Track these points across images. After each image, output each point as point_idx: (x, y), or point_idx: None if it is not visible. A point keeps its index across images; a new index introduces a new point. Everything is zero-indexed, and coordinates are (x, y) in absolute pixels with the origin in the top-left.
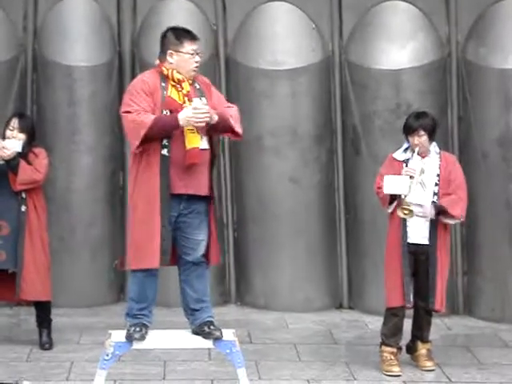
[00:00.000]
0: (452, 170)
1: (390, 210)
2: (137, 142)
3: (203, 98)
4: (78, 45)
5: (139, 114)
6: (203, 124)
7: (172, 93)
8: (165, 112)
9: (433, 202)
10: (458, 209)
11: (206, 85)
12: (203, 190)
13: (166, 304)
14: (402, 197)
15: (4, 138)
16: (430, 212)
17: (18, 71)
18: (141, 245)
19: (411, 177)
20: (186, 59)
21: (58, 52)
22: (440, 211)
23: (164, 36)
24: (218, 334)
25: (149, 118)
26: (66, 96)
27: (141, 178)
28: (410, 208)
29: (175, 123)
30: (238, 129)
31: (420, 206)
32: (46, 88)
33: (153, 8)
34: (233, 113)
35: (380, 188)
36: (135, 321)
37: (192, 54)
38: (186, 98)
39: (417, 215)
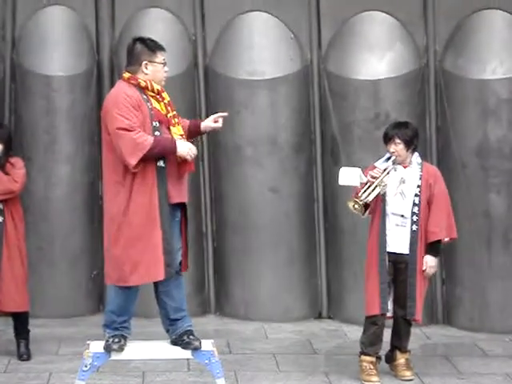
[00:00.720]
0: (433, 182)
1: (364, 216)
2: (133, 162)
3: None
4: (57, 54)
5: (138, 134)
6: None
7: (154, 104)
8: (155, 124)
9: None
10: (443, 234)
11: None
12: (185, 197)
13: (145, 315)
14: (361, 192)
15: None
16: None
17: None
18: (141, 260)
19: (374, 177)
20: (159, 69)
21: (37, 61)
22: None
23: (133, 47)
24: (196, 343)
25: (148, 141)
26: (44, 105)
27: (137, 192)
28: (361, 203)
29: (174, 150)
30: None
31: (401, 216)
32: (24, 97)
33: (131, 17)
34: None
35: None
36: (116, 332)
37: (163, 64)
38: (169, 108)
39: (397, 225)
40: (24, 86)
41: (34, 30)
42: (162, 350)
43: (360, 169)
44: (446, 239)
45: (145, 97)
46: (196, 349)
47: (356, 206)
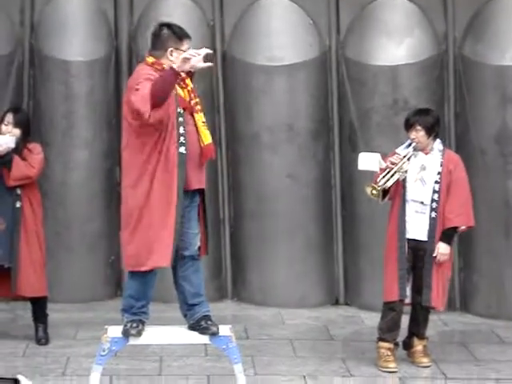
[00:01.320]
0: (453, 169)
1: (382, 202)
2: (146, 108)
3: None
4: (75, 39)
5: (142, 86)
6: (200, 62)
7: (178, 90)
8: (179, 110)
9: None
10: (457, 221)
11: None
12: (204, 183)
13: (162, 299)
14: (379, 178)
15: None
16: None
17: (14, 66)
18: (156, 244)
19: (393, 163)
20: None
21: (55, 47)
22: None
23: (160, 33)
24: (214, 329)
25: (149, 84)
26: (62, 91)
27: (160, 177)
28: (378, 189)
29: (173, 71)
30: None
31: (420, 203)
32: (42, 83)
33: (150, 3)
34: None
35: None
36: (134, 317)
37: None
38: (192, 95)
39: (416, 211)
40: (42, 71)
41: (53, 15)
42: (180, 335)
43: (379, 154)
44: (463, 227)
45: None
46: (214, 334)
47: (374, 191)
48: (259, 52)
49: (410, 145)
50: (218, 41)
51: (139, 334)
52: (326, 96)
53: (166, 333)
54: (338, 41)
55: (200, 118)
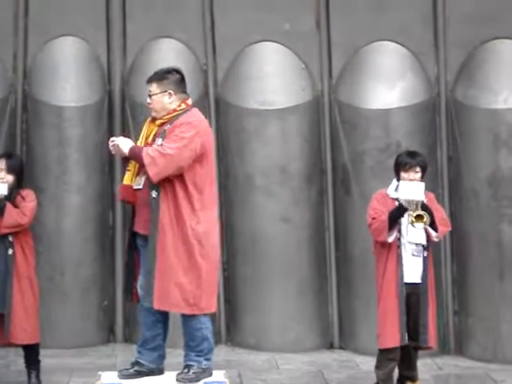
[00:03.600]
0: (433, 205)
1: (390, 239)
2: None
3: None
4: (68, 85)
5: None
6: (111, 148)
7: None
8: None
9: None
10: (440, 228)
11: (174, 127)
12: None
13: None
14: (412, 208)
15: None
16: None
17: (7, 111)
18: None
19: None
20: None
21: (48, 92)
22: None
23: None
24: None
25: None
26: (55, 136)
27: None
28: (426, 214)
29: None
30: (148, 167)
31: (416, 245)
32: (35, 128)
33: (143, 47)
34: (152, 153)
35: (375, 219)
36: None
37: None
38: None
39: (413, 255)
40: (36, 117)
41: (46, 61)
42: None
43: (424, 183)
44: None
45: None
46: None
47: (424, 218)
48: (252, 96)
49: (397, 187)
50: (211, 85)
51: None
52: (318, 139)
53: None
54: (331, 84)
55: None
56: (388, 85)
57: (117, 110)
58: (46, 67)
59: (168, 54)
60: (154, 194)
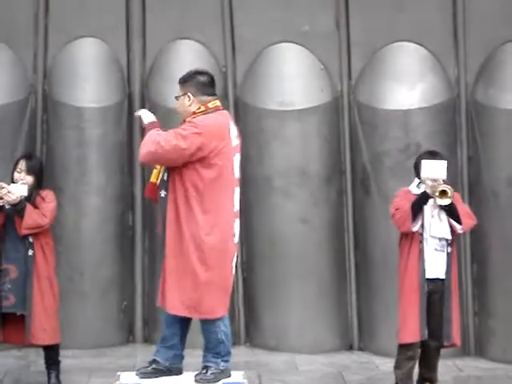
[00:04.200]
0: (457, 201)
1: (415, 229)
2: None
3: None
4: (88, 86)
5: None
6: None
7: None
8: None
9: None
10: (465, 219)
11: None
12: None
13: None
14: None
15: (12, 179)
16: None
17: (27, 112)
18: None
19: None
20: None
21: (68, 93)
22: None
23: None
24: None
25: None
26: (75, 137)
27: None
28: (450, 188)
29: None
30: (141, 146)
31: (439, 239)
32: (55, 129)
33: (162, 49)
34: (151, 136)
35: (398, 209)
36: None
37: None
38: None
39: (436, 249)
40: (56, 118)
41: (66, 62)
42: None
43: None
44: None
45: None
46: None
47: (448, 193)
48: (271, 97)
49: (419, 183)
50: (230, 86)
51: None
52: (338, 140)
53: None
54: (350, 85)
55: None
56: (408, 85)
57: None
58: (66, 68)
59: (187, 55)
60: (162, 193)
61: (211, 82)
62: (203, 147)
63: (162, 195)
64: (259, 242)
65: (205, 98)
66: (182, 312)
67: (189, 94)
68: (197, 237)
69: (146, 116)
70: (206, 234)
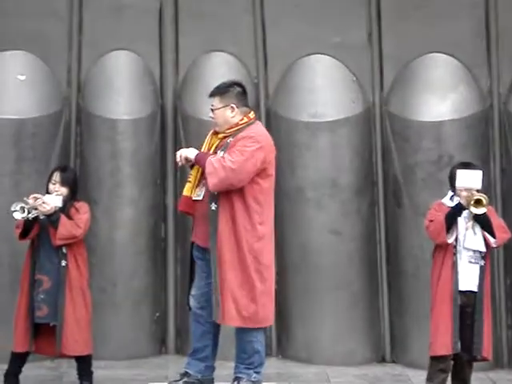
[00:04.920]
0: (491, 215)
1: (450, 240)
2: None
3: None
4: (121, 98)
5: None
6: (178, 160)
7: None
8: None
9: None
10: (499, 233)
11: (236, 140)
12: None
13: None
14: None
15: (47, 191)
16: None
17: (61, 125)
18: None
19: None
20: None
21: (102, 105)
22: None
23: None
24: None
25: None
26: (108, 149)
27: None
28: (485, 197)
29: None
30: (208, 176)
31: (473, 251)
32: (89, 141)
33: (195, 61)
34: (215, 163)
35: (432, 221)
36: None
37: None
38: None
39: (470, 262)
40: (89, 130)
41: (100, 75)
42: None
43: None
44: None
45: None
46: None
47: (483, 201)
48: (302, 108)
49: (452, 196)
50: (262, 98)
51: None
52: (369, 151)
53: None
54: (382, 97)
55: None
56: (440, 97)
57: (169, 123)
58: (100, 81)
59: (219, 67)
60: (213, 206)
61: (246, 93)
62: (265, 160)
63: (213, 208)
64: (291, 253)
65: (245, 109)
66: (237, 323)
67: (232, 105)
68: (255, 248)
69: (187, 152)
70: (264, 246)
